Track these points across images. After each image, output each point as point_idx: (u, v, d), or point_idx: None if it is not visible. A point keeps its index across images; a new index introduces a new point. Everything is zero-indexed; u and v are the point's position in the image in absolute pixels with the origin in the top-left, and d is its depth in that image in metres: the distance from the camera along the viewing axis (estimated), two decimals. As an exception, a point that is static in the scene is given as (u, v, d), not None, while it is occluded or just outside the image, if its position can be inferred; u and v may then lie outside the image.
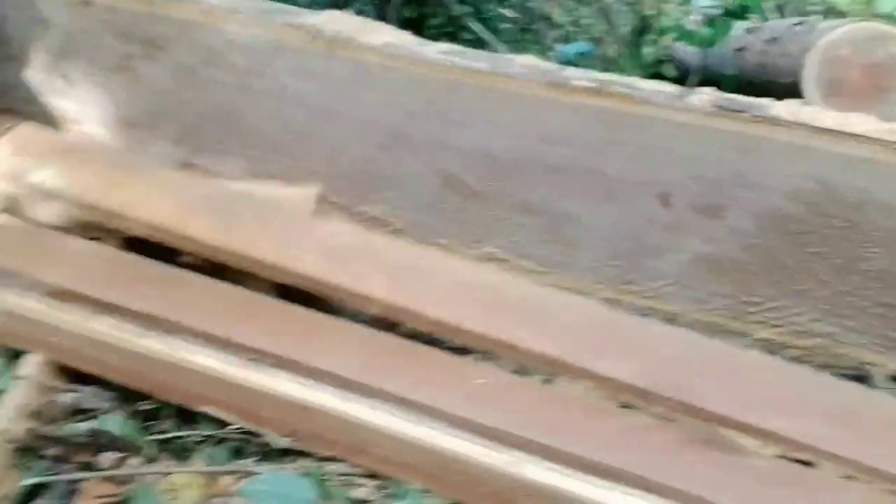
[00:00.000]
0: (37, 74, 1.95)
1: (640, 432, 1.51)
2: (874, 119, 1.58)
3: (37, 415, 1.59)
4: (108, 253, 1.81)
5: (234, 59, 1.83)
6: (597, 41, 4.13)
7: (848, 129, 1.54)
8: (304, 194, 1.83)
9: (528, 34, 4.84)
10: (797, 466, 1.46)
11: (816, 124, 1.56)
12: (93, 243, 1.83)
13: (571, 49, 4.15)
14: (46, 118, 1.98)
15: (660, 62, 3.93)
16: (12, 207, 1.86)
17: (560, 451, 1.46)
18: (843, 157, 1.54)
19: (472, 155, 1.75)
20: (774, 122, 1.56)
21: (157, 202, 1.80)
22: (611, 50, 3.95)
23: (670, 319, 2.10)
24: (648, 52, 3.94)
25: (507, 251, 1.80)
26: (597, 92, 1.63)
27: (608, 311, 1.72)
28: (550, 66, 1.69)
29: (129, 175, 1.87)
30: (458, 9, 4.70)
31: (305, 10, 1.85)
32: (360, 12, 2.16)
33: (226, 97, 1.86)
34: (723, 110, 1.58)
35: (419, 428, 1.51)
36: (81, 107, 1.95)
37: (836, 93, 2.76)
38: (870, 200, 1.55)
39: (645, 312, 2.04)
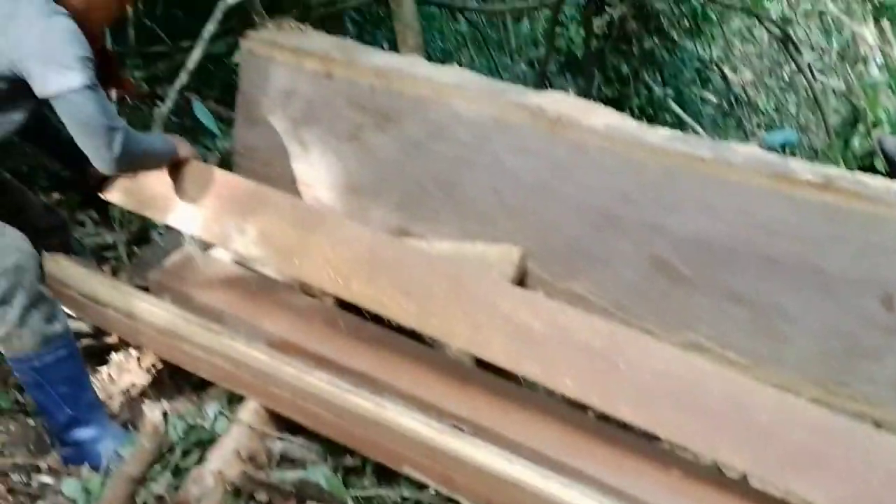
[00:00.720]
0: (278, 139, 2.07)
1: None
2: None
3: (250, 459, 1.65)
4: (328, 310, 1.88)
5: (457, 133, 1.89)
6: (803, 129, 3.97)
7: None
8: (507, 255, 1.84)
9: (729, 119, 4.73)
10: None
11: None
12: (313, 300, 1.91)
13: (777, 137, 3.98)
14: (281, 181, 2.08)
15: (870, 155, 3.71)
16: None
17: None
18: None
19: (684, 240, 1.72)
20: None
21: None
22: (818, 140, 3.77)
23: (879, 425, 1.97)
24: (858, 144, 3.74)
25: (711, 340, 1.75)
26: (823, 186, 1.58)
27: (824, 417, 1.54)
28: (774, 157, 1.65)
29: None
30: (659, 90, 4.66)
31: (530, 90, 1.89)
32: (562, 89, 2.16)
33: (446, 169, 1.92)
34: None
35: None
36: (314, 171, 2.05)
37: None
38: None
39: (854, 416, 1.92)
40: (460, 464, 1.56)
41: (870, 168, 3.74)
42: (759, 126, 4.65)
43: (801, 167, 1.62)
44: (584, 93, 4.69)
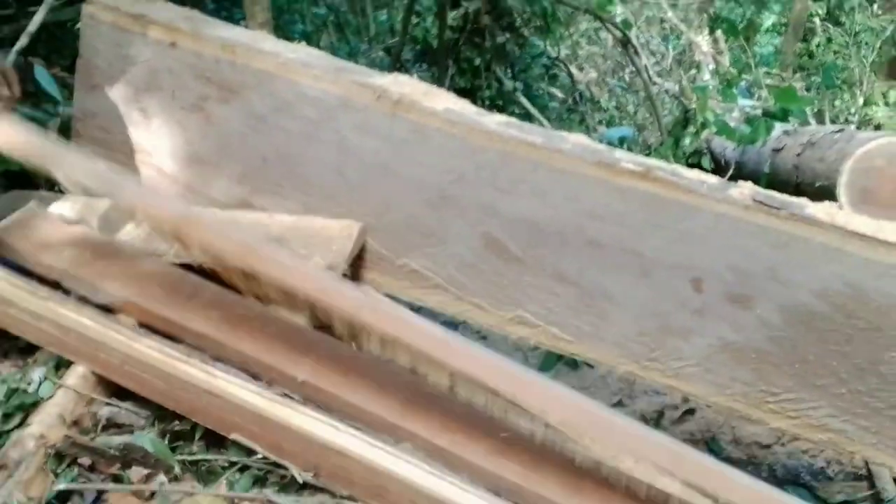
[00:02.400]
0: (117, 106, 1.97)
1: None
2: (907, 228, 1.55)
3: (75, 424, 1.57)
4: (173, 272, 1.79)
5: (302, 110, 1.84)
6: (640, 127, 4.13)
7: (882, 236, 1.52)
8: (347, 230, 1.81)
9: (573, 114, 4.87)
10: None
11: (851, 228, 1.54)
12: (159, 261, 1.82)
13: (615, 133, 4.13)
14: (121, 148, 1.98)
15: (698, 153, 3.91)
16: (106, 225, 1.86)
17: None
18: (875, 263, 1.52)
19: (516, 222, 1.74)
20: (810, 221, 1.56)
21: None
22: (652, 137, 3.94)
23: (687, 400, 2.06)
24: (688, 143, 3.92)
25: (537, 317, 1.78)
26: (643, 175, 1.63)
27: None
28: (601, 146, 1.69)
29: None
30: (509, 84, 4.75)
31: (375, 71, 1.85)
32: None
33: (290, 144, 1.88)
34: (761, 205, 1.58)
35: (439, 481, 1.47)
36: (155, 140, 1.97)
37: (867, 201, 2.72)
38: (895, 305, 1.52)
39: (664, 391, 2.00)
40: (288, 431, 1.53)
41: (697, 165, 3.95)
42: (600, 122, 4.81)
43: (624, 156, 1.66)
44: (438, 82, 4.75)
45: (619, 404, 2.05)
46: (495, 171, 1.71)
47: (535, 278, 1.76)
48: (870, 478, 1.92)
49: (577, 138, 1.73)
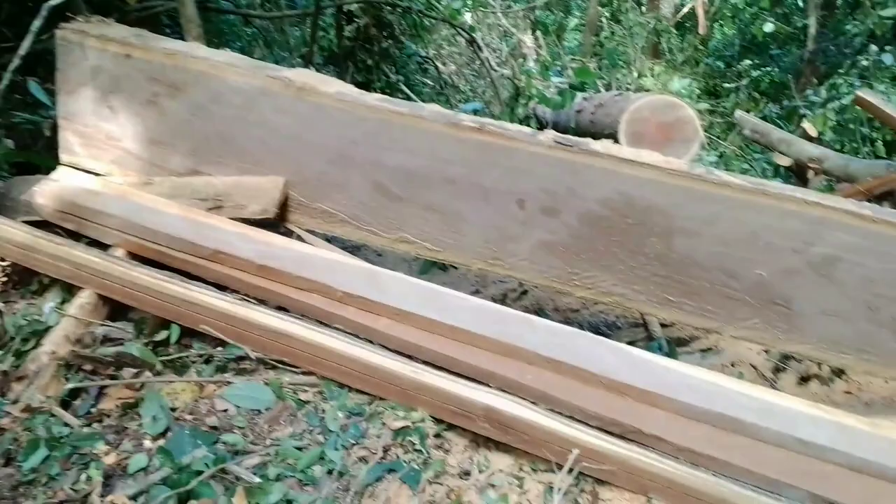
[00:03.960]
0: (91, 106, 1.94)
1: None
2: (657, 154, 1.72)
3: (78, 341, 1.61)
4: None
5: (231, 99, 1.85)
6: (487, 103, 4.29)
7: (640, 159, 1.67)
8: (274, 183, 1.88)
9: (441, 96, 4.99)
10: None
11: (620, 156, 1.68)
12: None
13: (469, 107, 4.25)
14: (96, 137, 1.96)
15: (528, 118, 4.08)
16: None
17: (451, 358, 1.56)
18: (635, 177, 1.65)
19: (396, 171, 1.80)
20: (593, 153, 1.66)
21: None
22: (496, 109, 4.09)
23: (522, 284, 2.21)
24: (520, 111, 4.10)
25: (415, 236, 1.86)
26: (479, 129, 1.71)
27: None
28: (449, 111, 1.76)
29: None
30: (394, 77, 4.86)
31: (283, 67, 1.91)
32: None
33: (225, 126, 1.88)
34: (559, 145, 1.68)
35: (356, 348, 1.58)
36: (122, 129, 1.94)
37: (639, 142, 2.91)
38: (652, 207, 1.65)
39: (505, 279, 2.14)
40: (248, 323, 1.61)
41: (526, 126, 4.10)
42: (459, 101, 4.92)
43: (465, 117, 1.73)
44: (342, 78, 4.76)
45: (476, 292, 2.17)
46: (377, 134, 1.76)
47: (411, 210, 1.82)
48: (645, 325, 2.13)
49: (432, 107, 1.82)
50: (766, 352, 2.02)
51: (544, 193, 1.73)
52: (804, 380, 1.99)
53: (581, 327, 2.03)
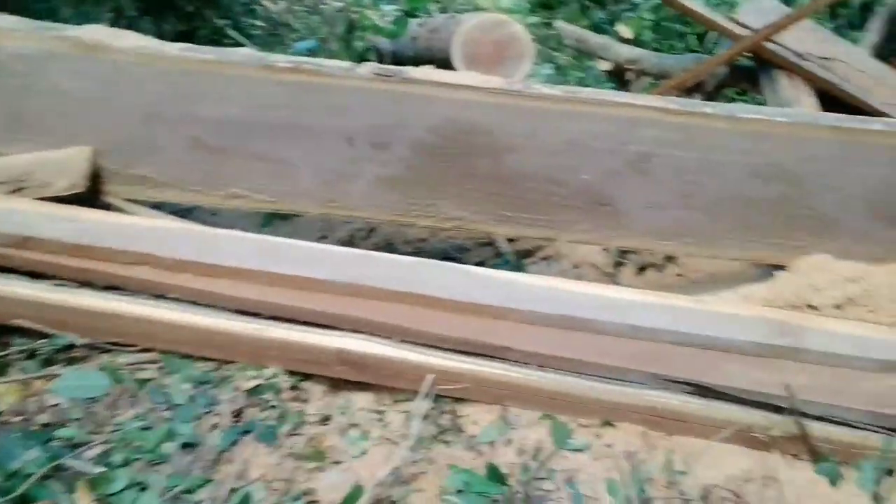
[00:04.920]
0: None
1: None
2: (476, 74, 1.72)
3: None
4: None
5: (14, 68, 1.67)
6: (323, 40, 4.12)
7: (459, 82, 1.67)
8: (80, 154, 1.73)
9: (274, 38, 4.74)
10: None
11: (440, 80, 1.67)
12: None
13: (303, 46, 4.09)
14: None
15: (367, 51, 3.99)
16: None
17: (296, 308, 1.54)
18: (458, 100, 1.65)
19: (212, 123, 1.71)
20: (412, 81, 1.65)
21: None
22: (334, 46, 3.96)
23: (369, 222, 2.21)
24: (359, 45, 3.99)
25: (246, 190, 1.78)
26: (295, 69, 1.65)
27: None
28: (261, 53, 1.68)
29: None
30: (220, 22, 4.56)
31: (70, 26, 1.73)
32: (134, 27, 1.97)
33: (13, 99, 1.71)
34: (379, 76, 1.64)
35: (191, 315, 1.53)
36: None
37: (474, 63, 2.91)
38: (477, 128, 1.67)
39: (347, 220, 2.13)
40: (68, 310, 1.52)
41: (367, 60, 4.00)
42: (294, 40, 4.72)
43: (279, 58, 1.66)
44: (161, 30, 4.43)
45: (323, 238, 2.15)
46: (185, 87, 1.65)
47: (236, 162, 1.74)
48: (492, 243, 2.19)
49: (243, 50, 1.72)
50: (605, 250, 2.14)
51: (372, 128, 1.71)
52: (641, 270, 2.13)
53: (432, 255, 2.06)
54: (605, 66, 3.66)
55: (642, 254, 2.12)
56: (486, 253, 2.13)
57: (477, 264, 1.88)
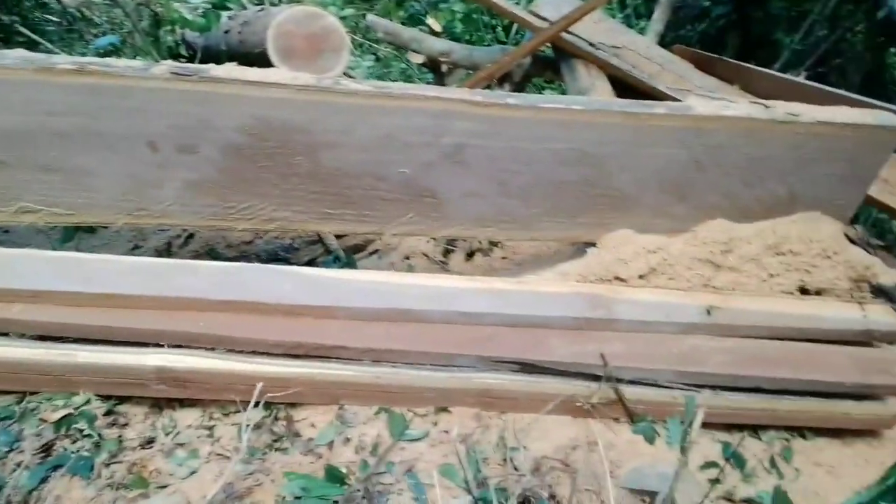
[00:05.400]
0: None
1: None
2: (285, 71, 1.68)
3: None
4: None
5: None
6: (128, 34, 3.81)
7: (266, 79, 1.61)
8: None
9: (73, 33, 4.32)
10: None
11: (245, 78, 1.61)
12: None
13: (104, 41, 3.76)
14: None
15: (177, 45, 3.76)
16: None
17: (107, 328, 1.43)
18: (267, 99, 1.60)
19: None
20: (215, 80, 1.57)
21: None
22: (139, 41, 3.68)
23: (184, 229, 2.10)
24: (168, 39, 3.75)
25: (38, 203, 1.63)
26: (80, 71, 1.51)
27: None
28: (38, 56, 1.53)
29: None
30: (6, 19, 4.06)
31: None
32: None
33: None
34: (177, 76, 1.55)
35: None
36: None
37: (290, 57, 2.83)
38: (290, 126, 1.63)
39: (161, 228, 2.01)
40: None
41: (177, 55, 3.79)
42: (96, 35, 4.34)
43: (61, 59, 1.51)
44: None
45: (135, 248, 2.01)
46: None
47: (23, 175, 1.59)
48: (321, 240, 2.17)
49: (17, 52, 1.55)
50: (433, 239, 2.18)
51: (175, 130, 1.61)
52: (470, 255, 2.20)
53: (259, 257, 2.01)
54: (416, 58, 3.70)
55: (469, 240, 2.19)
56: (316, 251, 2.10)
57: (307, 263, 1.88)
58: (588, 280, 1.77)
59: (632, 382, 1.55)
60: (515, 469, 1.36)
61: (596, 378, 1.53)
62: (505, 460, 1.38)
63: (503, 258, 2.17)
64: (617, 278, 1.78)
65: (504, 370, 1.55)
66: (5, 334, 1.40)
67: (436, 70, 3.37)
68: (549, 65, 3.17)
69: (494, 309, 1.64)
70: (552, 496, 1.31)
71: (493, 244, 2.20)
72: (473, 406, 1.51)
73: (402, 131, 1.70)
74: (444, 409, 1.49)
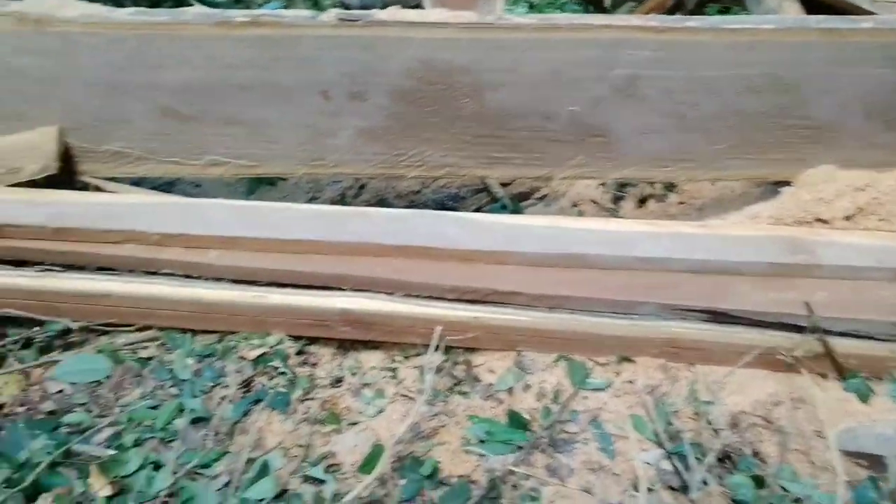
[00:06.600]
0: None
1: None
2: (445, 10, 1.63)
3: None
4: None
5: (-41, 50, 1.57)
6: (290, 1, 3.98)
7: (429, 19, 1.57)
8: (47, 135, 1.64)
9: (240, 4, 4.56)
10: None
11: (408, 20, 1.57)
12: None
13: (272, 6, 3.93)
14: None
15: (335, 6, 3.83)
16: None
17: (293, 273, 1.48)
18: (431, 39, 1.56)
19: (178, 89, 1.61)
20: (381, 23, 1.55)
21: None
22: (300, 5, 3.82)
23: (357, 179, 2.14)
24: (326, 4, 3.85)
25: (225, 156, 1.71)
26: (254, 23, 1.54)
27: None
28: (216, 10, 1.59)
29: None
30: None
31: (10, 0, 1.62)
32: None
33: (-39, 83, 1.61)
34: (344, 21, 1.54)
35: (187, 288, 1.47)
36: None
37: (444, 4, 2.79)
38: (454, 66, 1.58)
39: (335, 180, 2.06)
40: (59, 294, 1.45)
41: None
42: (259, 5, 4.54)
43: (235, 13, 1.55)
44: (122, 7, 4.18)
45: (312, 199, 2.08)
46: (142, 53, 1.55)
47: (210, 128, 1.66)
48: (487, 189, 2.13)
49: (195, 8, 1.64)
50: (602, 185, 2.08)
51: (345, 78, 1.61)
52: (642, 202, 2.07)
53: (426, 207, 2.01)
54: (580, -8, 3.51)
55: (641, 185, 2.07)
56: (482, 199, 2.07)
57: (474, 212, 1.84)
58: (783, 222, 1.61)
59: (841, 334, 1.39)
60: (710, 423, 1.27)
61: (798, 329, 1.38)
62: (697, 414, 1.29)
63: (680, 203, 2.03)
64: (818, 220, 1.60)
65: (691, 319, 1.44)
66: (205, 278, 1.48)
67: (598, 5, 3.19)
68: (729, -12, 2.89)
69: (677, 254, 1.53)
70: (755, 453, 1.20)
71: (669, 188, 2.06)
72: (659, 356, 1.42)
73: (569, 66, 1.60)
74: (627, 359, 1.41)
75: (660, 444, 1.23)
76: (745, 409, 1.29)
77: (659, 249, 1.53)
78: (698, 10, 2.81)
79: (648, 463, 1.19)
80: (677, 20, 1.58)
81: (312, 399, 1.35)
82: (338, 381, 1.39)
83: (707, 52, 1.58)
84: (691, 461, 1.18)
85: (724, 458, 1.20)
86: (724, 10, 3.18)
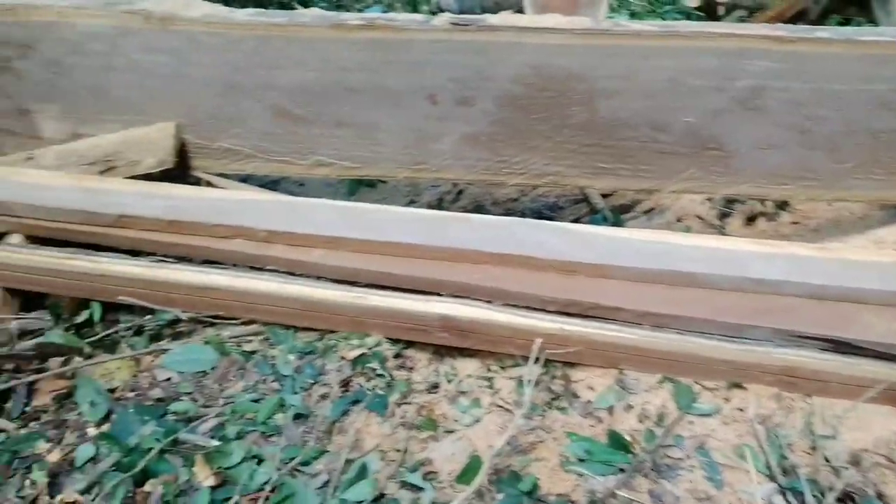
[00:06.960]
0: None
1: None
2: (558, 16, 1.61)
3: (-8, 341, 1.46)
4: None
5: (91, 47, 1.65)
6: (389, 5, 4.03)
7: (542, 25, 1.55)
8: (165, 130, 1.72)
9: (341, 8, 4.64)
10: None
11: (520, 25, 1.55)
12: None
13: (373, 10, 4.01)
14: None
15: (433, 14, 3.85)
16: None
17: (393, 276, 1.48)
18: (543, 45, 1.54)
19: (291, 90, 1.65)
20: (493, 28, 1.54)
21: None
22: (400, 9, 3.88)
23: (456, 184, 2.14)
24: (424, 8, 3.89)
25: (331, 157, 1.74)
26: (368, 26, 1.56)
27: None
28: (332, 13, 1.62)
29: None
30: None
31: (139, -1, 1.70)
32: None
33: (93, 78, 1.69)
34: (456, 26, 1.54)
35: (292, 286, 1.50)
36: None
37: (546, 12, 2.76)
38: (568, 73, 1.55)
39: (434, 184, 2.05)
40: (172, 285, 1.50)
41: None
42: (359, 9, 4.62)
43: (350, 16, 1.57)
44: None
45: (411, 203, 2.09)
46: (259, 54, 1.60)
47: (320, 129, 1.69)
48: (586, 199, 2.08)
49: (313, 11, 1.68)
50: (709, 200, 2.00)
51: (454, 83, 1.61)
52: (751, 220, 1.98)
53: (523, 215, 1.99)
54: (692, 2, 3.41)
55: (750, 202, 1.97)
56: (581, 210, 2.03)
57: (572, 222, 1.80)
58: (913, 249, 1.49)
59: (980, 373, 1.27)
60: (827, 461, 1.18)
61: (930, 364, 1.28)
62: (814, 449, 1.21)
63: (793, 223, 1.92)
64: (953, 247, 1.48)
65: (809, 347, 1.35)
66: (308, 276, 1.50)
67: (711, 14, 3.08)
68: (854, -1, 2.72)
69: (793, 277, 1.44)
70: (880, 495, 1.11)
71: (780, 207, 1.95)
72: (772, 385, 1.34)
73: (688, 74, 1.54)
74: (738, 385, 1.34)
75: (772, 478, 1.15)
76: (867, 446, 1.20)
77: (774, 271, 1.44)
78: (820, 22, 2.67)
79: (762, 498, 1.12)
80: (807, 30, 1.50)
81: (409, 403, 1.34)
82: (434, 387, 1.38)
83: (837, 64, 1.49)
84: (808, 499, 1.10)
85: (845, 499, 1.11)
86: (845, 21, 3.01)
